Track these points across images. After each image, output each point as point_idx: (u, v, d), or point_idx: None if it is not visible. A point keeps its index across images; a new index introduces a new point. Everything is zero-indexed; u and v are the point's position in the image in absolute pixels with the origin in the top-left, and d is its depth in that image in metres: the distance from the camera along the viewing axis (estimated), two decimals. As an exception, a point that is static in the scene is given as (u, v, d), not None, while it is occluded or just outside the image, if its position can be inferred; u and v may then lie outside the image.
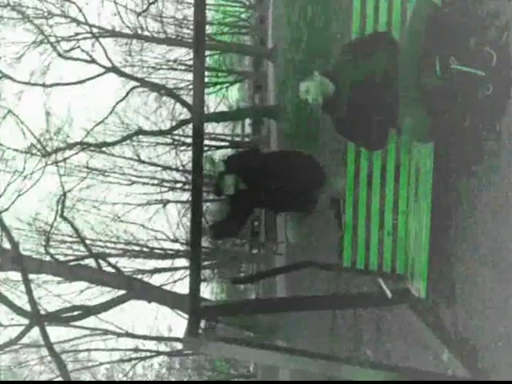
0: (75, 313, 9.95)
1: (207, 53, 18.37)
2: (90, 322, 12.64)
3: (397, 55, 2.94)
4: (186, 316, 3.22)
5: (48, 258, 10.95)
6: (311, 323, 8.67)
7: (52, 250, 12.51)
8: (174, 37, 16.48)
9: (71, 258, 13.27)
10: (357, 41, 3.36)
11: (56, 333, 11.94)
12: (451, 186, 3.32)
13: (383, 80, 2.98)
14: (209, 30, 20.31)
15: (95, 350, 15.54)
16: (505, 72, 2.62)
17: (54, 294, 12.26)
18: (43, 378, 12.83)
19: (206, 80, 20.23)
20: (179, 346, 15.11)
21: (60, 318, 9.72)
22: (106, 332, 14.50)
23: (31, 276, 9.15)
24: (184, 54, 17.15)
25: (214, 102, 21.28)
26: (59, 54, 12.72)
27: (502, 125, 2.68)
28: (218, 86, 20.90)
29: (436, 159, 3.19)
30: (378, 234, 3.57)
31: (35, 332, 8.88)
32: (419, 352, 3.59)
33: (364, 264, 3.63)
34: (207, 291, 21.80)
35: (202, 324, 3.36)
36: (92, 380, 15.92)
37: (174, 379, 18.98)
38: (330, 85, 3.14)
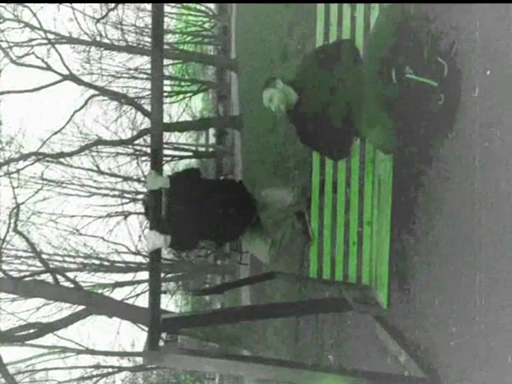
0: (31, 331, 9.49)
1: (170, 62, 18.25)
2: (48, 339, 12.18)
3: (359, 64, 2.94)
4: (148, 330, 3.07)
5: (0, 275, 10.42)
6: (275, 331, 8.63)
7: (5, 266, 11.95)
8: (134, 45, 16.26)
9: (26, 273, 12.69)
10: (319, 49, 3.32)
11: (10, 353, 11.40)
12: (410, 194, 3.35)
13: (346, 89, 2.95)
14: (171, 38, 20.20)
15: (53, 368, 14.94)
16: (455, 82, 2.69)
17: (8, 312, 11.71)
18: (-4, 400, 12.17)
19: (169, 89, 20.08)
20: (142, 361, 14.70)
21: (14, 336, 9.24)
22: (64, 349, 13.97)
23: (-18, 293, 8.69)
24: (145, 62, 16.93)
25: (177, 112, 21.14)
26: (12, 61, 12.23)
27: (453, 133, 2.75)
28: (181, 96, 20.76)
29: (395, 168, 3.22)
30: (344, 245, 3.56)
31: (-13, 352, 8.37)
32: (378, 355, 3.58)
33: (330, 274, 3.62)
34: (172, 304, 21.42)
35: (164, 336, 3.23)
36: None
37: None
38: (292, 93, 3.08)
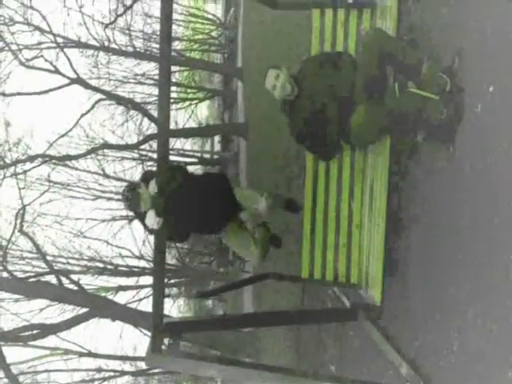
0: (34, 332, 9.56)
1: (177, 68, 18.37)
2: (51, 341, 12.22)
3: (355, 72, 3.08)
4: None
5: (5, 275, 10.51)
6: (277, 340, 8.63)
7: (10, 267, 12.03)
8: (142, 51, 16.40)
9: (31, 274, 12.77)
10: (321, 54, 3.52)
11: (13, 353, 11.45)
12: (405, 202, 3.45)
13: (342, 93, 3.11)
14: (178, 45, 20.36)
15: (55, 370, 14.97)
16: (458, 97, 2.77)
17: (12, 312, 11.78)
18: (-2, 401, 12.22)
19: (175, 96, 20.22)
20: (144, 365, 14.73)
21: (17, 337, 9.31)
22: (67, 352, 14.00)
23: (-13, 293, 8.78)
24: (152, 68, 17.06)
25: (183, 118, 21.27)
26: (21, 63, 12.38)
27: (455, 146, 2.82)
28: (188, 102, 20.89)
29: (390, 176, 3.33)
30: (334, 246, 3.74)
31: (-10, 352, 8.45)
32: (380, 366, 3.62)
33: (321, 275, 3.78)
34: (174, 309, 21.43)
35: (166, 341, 3.28)
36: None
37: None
38: (294, 86, 3.23)
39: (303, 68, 3.31)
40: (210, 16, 23.79)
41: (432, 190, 3.09)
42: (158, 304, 2.92)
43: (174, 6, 18.75)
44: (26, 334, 9.46)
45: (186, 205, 3.56)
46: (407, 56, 2.95)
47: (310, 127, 3.26)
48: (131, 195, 3.57)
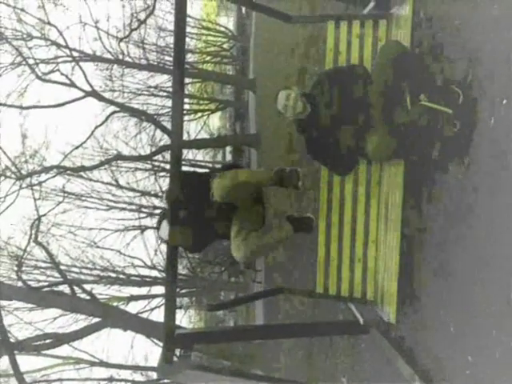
0: (47, 341, 9.68)
1: (189, 80, 18.57)
2: (63, 350, 12.29)
3: (370, 86, 3.10)
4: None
5: (20, 284, 10.66)
6: (288, 351, 8.60)
7: (24, 276, 12.20)
8: (155, 63, 16.62)
9: (44, 284, 12.91)
10: (334, 70, 3.51)
11: (27, 362, 11.55)
12: (420, 218, 3.43)
13: (357, 108, 3.12)
14: (191, 58, 20.58)
15: (68, 379, 15.03)
16: (471, 110, 2.76)
17: (26, 321, 11.91)
18: (11, 409, 12.31)
19: (188, 107, 20.39)
20: (155, 375, 14.74)
21: (31, 346, 9.43)
22: (79, 361, 14.06)
23: (1, 302, 8.91)
24: (165, 80, 17.28)
25: (195, 130, 21.42)
26: (38, 77, 12.65)
27: (468, 159, 2.82)
28: (200, 114, 21.05)
29: (405, 190, 3.33)
30: (350, 261, 3.69)
31: (5, 361, 8.58)
32: (392, 379, 3.61)
33: (336, 290, 3.74)
34: (185, 320, 21.43)
35: (178, 352, 3.31)
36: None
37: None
38: (306, 104, 3.23)
39: (316, 84, 3.31)
40: (222, 28, 24.01)
41: (447, 204, 3.07)
42: (170, 315, 2.97)
43: (187, 19, 19.01)
44: (40, 343, 9.57)
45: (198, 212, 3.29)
46: (422, 68, 2.97)
47: (325, 144, 3.26)
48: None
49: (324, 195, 3.74)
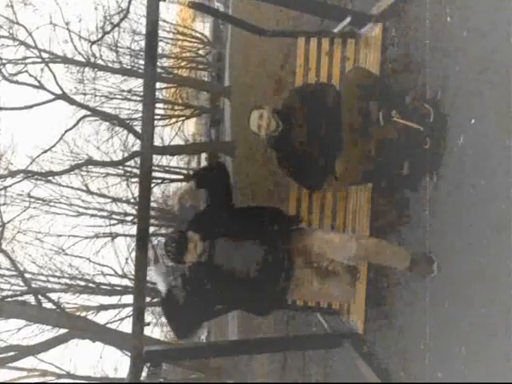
0: (11, 353, 9.26)
1: (163, 85, 18.35)
2: (28, 362, 11.85)
3: (340, 105, 3.08)
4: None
5: (-18, 294, 10.21)
6: (262, 364, 8.51)
7: (-14, 285, 11.74)
8: (129, 67, 16.36)
9: (8, 293, 12.43)
10: (304, 88, 3.53)
11: (-12, 375, 11.09)
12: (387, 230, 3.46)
13: (327, 126, 3.12)
14: (166, 63, 20.39)
15: (33, 392, 14.51)
16: (441, 128, 2.82)
17: (-13, 332, 11.42)
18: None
19: (162, 112, 20.17)
20: (124, 388, 14.35)
21: (-7, 359, 9.00)
22: (45, 373, 13.60)
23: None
24: (139, 84, 16.97)
25: (169, 135, 21.18)
26: (4, 77, 12.25)
27: (438, 176, 2.88)
28: (174, 119, 20.85)
29: (372, 204, 3.39)
30: None
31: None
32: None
33: (303, 301, 3.77)
34: (157, 329, 21.01)
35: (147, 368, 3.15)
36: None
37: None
38: (278, 121, 3.19)
39: (287, 101, 3.31)
40: (197, 34, 23.91)
41: (415, 218, 3.12)
42: (138, 332, 2.80)
43: (163, 23, 18.80)
44: (3, 355, 9.16)
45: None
46: (390, 89, 3.01)
47: (296, 159, 3.26)
48: None
49: (293, 208, 3.77)
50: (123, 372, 15.52)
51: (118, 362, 16.28)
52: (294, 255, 2.84)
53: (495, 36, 2.41)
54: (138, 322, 2.74)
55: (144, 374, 3.20)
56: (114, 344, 9.60)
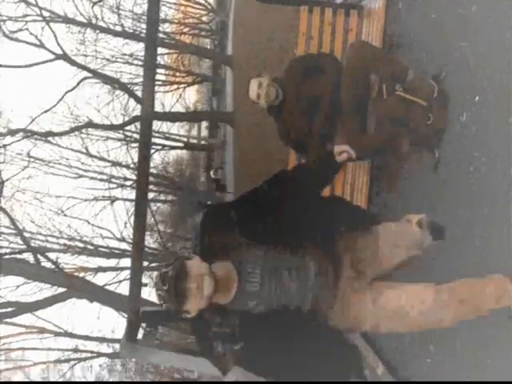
0: (9, 309, 9.46)
1: (165, 51, 18.11)
2: (26, 319, 12.09)
3: (341, 75, 3.05)
4: (129, 319, 3.10)
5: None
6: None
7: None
8: (131, 31, 16.10)
9: (7, 251, 12.56)
10: (304, 58, 3.50)
11: (-13, 330, 11.35)
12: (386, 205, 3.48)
13: (328, 96, 3.09)
14: (168, 28, 20.07)
15: (30, 348, 14.87)
16: (444, 105, 2.80)
17: (-14, 289, 11.58)
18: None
19: (164, 78, 19.95)
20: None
21: (-8, 314, 9.21)
22: (42, 330, 13.87)
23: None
24: (141, 49, 16.70)
25: (170, 102, 21.01)
26: (4, 34, 12.06)
27: (439, 153, 2.86)
28: (176, 86, 20.64)
29: (372, 179, 3.37)
30: None
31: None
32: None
33: None
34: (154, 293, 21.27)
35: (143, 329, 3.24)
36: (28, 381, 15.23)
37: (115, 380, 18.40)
38: (278, 90, 3.19)
39: (288, 70, 3.29)
40: (201, 0, 23.42)
41: (415, 195, 3.11)
42: (136, 292, 2.90)
43: (167, -13, 18.42)
44: (2, 311, 9.36)
45: None
46: (393, 63, 2.95)
47: (297, 129, 3.24)
48: None
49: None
50: (120, 333, 15.86)
51: (115, 324, 16.61)
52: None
53: (504, 12, 2.35)
54: (136, 283, 2.84)
55: (140, 335, 3.29)
56: (111, 305, 9.79)
